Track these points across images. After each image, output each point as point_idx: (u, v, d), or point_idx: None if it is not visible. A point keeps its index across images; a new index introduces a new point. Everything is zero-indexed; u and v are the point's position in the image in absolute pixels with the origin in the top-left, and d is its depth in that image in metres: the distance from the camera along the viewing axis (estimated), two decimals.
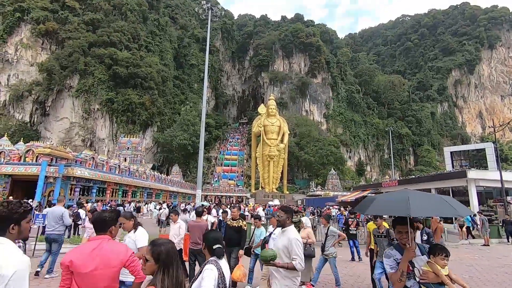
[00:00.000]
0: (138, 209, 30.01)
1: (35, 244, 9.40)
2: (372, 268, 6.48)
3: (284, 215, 3.58)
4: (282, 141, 37.44)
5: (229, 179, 63.19)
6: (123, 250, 2.48)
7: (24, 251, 6.35)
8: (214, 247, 2.50)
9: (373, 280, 6.32)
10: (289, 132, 41.28)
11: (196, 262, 6.18)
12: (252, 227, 7.24)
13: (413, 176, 43.98)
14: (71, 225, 12.51)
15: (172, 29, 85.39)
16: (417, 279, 2.69)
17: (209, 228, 7.53)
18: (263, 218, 13.43)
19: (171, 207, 22.42)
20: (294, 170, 68.96)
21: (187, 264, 6.52)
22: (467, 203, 20.70)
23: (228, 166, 70.57)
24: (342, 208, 23.58)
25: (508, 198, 21.24)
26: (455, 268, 6.79)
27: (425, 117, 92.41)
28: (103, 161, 31.60)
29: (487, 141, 53.65)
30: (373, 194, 20.43)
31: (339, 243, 13.24)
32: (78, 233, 13.89)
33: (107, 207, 20.70)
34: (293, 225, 3.68)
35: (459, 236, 16.91)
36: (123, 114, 56.45)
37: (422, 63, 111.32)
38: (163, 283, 1.84)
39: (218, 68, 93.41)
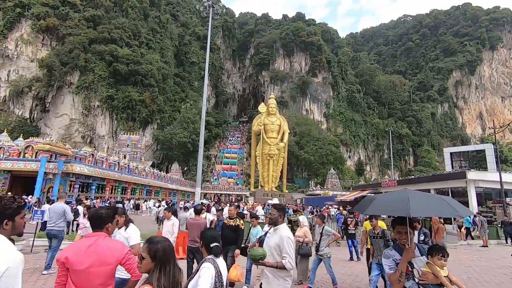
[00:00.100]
0: (137, 207, 30.03)
1: (33, 241, 9.39)
2: (370, 268, 6.46)
3: (276, 213, 3.51)
4: (282, 140, 37.39)
5: (229, 178, 63.21)
6: (119, 248, 2.46)
7: None
8: (212, 245, 2.48)
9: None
10: (289, 131, 41.24)
11: (194, 260, 6.17)
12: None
13: (413, 177, 44.01)
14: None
15: (173, 26, 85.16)
16: (416, 280, 2.67)
17: (208, 226, 7.50)
18: (261, 217, 13.43)
19: (170, 204, 22.43)
20: (293, 169, 69.00)
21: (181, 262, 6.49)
22: (466, 204, 20.69)
23: (228, 164, 70.61)
24: (341, 208, 23.58)
25: (507, 199, 21.23)
26: (453, 269, 6.78)
27: (425, 117, 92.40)
28: (103, 158, 31.60)
29: (487, 142, 53.66)
30: (373, 194, 20.44)
31: (337, 242, 13.25)
32: (77, 230, 13.87)
33: (106, 204, 20.70)
34: (285, 223, 3.62)
35: (458, 237, 16.93)
36: (123, 111, 56.40)
37: (423, 64, 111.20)
38: (159, 281, 1.81)
39: (219, 66, 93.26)
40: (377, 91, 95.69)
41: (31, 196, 22.43)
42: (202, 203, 13.38)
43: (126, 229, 3.85)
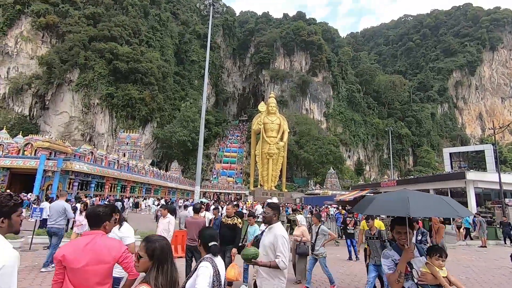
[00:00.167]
0: (136, 205, 30.02)
1: (32, 238, 9.38)
2: (367, 268, 6.42)
3: (270, 212, 3.49)
4: (281, 139, 37.45)
5: (228, 176, 63.25)
6: (116, 246, 2.44)
7: None
8: (210, 244, 2.47)
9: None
10: (288, 130, 41.25)
11: (193, 259, 6.16)
12: None
13: (412, 177, 44.05)
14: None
15: (173, 24, 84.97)
16: (415, 280, 2.67)
17: (207, 225, 7.49)
18: (260, 216, 13.41)
19: (169, 203, 22.41)
20: (293, 169, 69.04)
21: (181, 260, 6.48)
22: (465, 204, 20.71)
23: (227, 163, 70.63)
24: (340, 207, 23.60)
25: (506, 200, 21.25)
26: (452, 269, 6.77)
27: (425, 117, 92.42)
28: (102, 156, 31.55)
29: (487, 143, 53.74)
30: (372, 194, 20.44)
31: (336, 242, 13.25)
32: (73, 227, 13.88)
33: (105, 202, 20.69)
34: (280, 222, 3.60)
35: (457, 237, 16.94)
36: (123, 109, 56.33)
37: (423, 64, 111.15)
38: (156, 280, 1.80)
39: (219, 65, 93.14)
40: (377, 91, 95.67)
41: (30, 193, 22.40)
42: (201, 201, 13.35)
43: (120, 228, 3.80)
